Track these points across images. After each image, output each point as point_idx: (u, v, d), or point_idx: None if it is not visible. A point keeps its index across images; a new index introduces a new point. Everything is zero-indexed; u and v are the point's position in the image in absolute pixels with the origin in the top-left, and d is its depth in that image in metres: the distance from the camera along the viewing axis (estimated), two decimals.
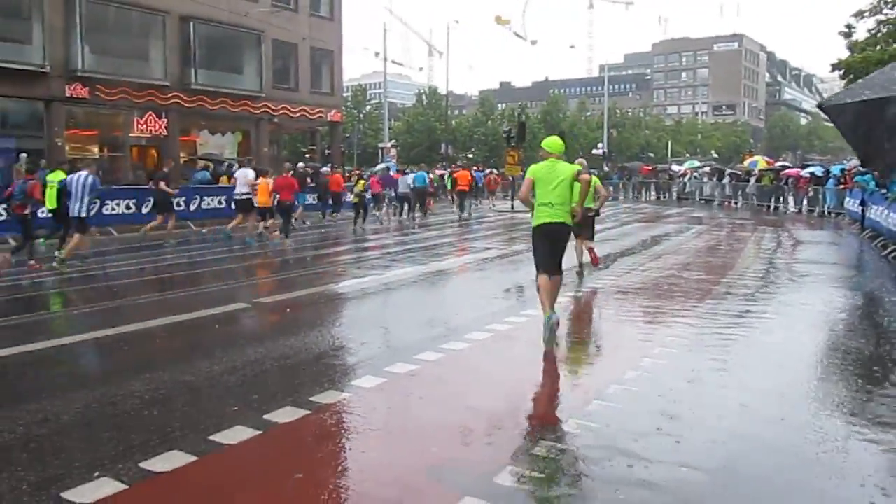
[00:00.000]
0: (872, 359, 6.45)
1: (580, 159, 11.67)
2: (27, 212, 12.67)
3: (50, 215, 13.56)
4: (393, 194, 24.28)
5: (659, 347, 6.63)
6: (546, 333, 6.80)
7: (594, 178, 10.22)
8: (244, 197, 16.43)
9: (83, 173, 12.60)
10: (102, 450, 4.13)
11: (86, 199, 12.38)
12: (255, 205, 16.25)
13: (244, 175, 16.76)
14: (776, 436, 4.45)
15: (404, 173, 25.71)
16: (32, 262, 12.12)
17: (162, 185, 16.32)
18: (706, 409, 4.93)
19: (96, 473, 3.77)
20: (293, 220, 17.46)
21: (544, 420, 4.79)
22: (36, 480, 3.69)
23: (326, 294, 10.04)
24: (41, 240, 13.60)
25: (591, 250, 11.57)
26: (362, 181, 21.82)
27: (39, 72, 23.00)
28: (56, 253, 12.32)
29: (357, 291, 10.09)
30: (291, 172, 17.74)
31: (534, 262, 7.32)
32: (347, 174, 29.39)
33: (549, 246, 7.11)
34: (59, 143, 24.08)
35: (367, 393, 5.29)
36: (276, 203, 16.16)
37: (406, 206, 23.95)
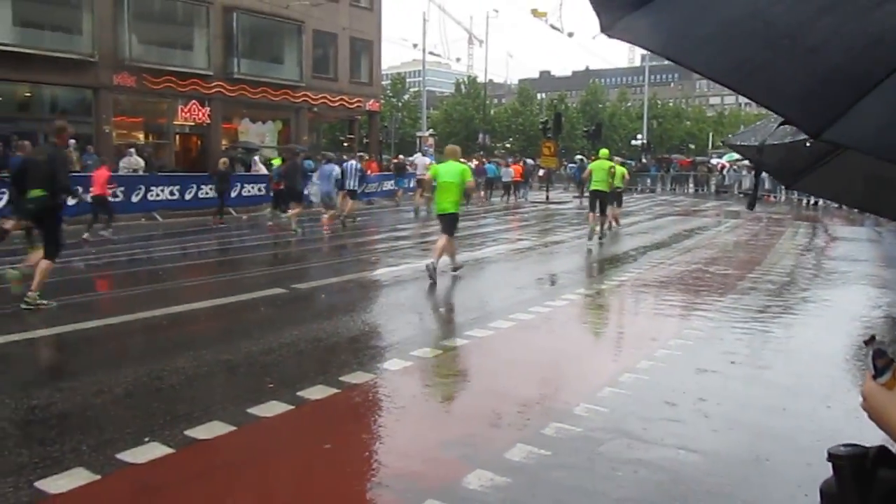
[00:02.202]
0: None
1: (617, 158, 19.70)
2: (281, 188, 16.90)
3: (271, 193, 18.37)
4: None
5: (675, 339, 6.89)
6: (590, 236, 14.84)
7: (622, 168, 17.44)
8: (424, 176, 21.63)
9: (353, 162, 18.76)
10: (151, 418, 4.58)
11: (356, 178, 18.15)
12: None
13: (423, 161, 24.67)
14: (775, 425, 4.72)
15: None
16: (270, 223, 16.85)
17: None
18: (711, 398, 5.20)
19: (146, 438, 4.20)
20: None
21: (556, 403, 5.11)
22: (94, 443, 4.14)
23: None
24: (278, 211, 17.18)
25: (616, 215, 17.26)
26: None
27: (88, 61, 23.78)
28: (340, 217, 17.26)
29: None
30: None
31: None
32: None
33: (595, 200, 15.01)
34: (107, 130, 24.91)
35: (393, 375, 5.67)
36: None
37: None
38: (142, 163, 21.22)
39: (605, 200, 15.25)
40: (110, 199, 15.19)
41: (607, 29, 1.12)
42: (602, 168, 15.23)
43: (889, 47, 0.99)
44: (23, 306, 7.53)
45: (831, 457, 1.09)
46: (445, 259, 10.26)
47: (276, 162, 19.83)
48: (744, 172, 38.07)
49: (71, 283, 10.00)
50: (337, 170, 17.23)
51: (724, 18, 1.06)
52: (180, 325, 7.50)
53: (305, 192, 17.27)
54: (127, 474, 3.81)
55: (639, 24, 1.10)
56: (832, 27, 1.01)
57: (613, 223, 16.98)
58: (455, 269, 10.48)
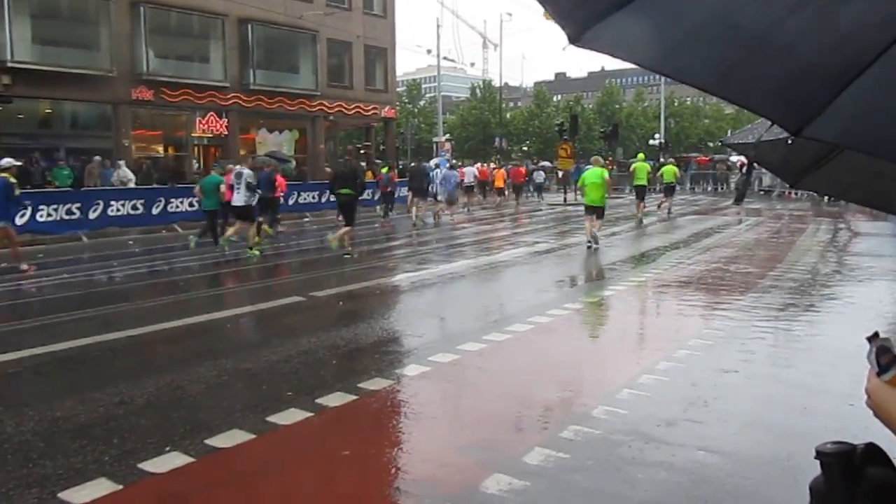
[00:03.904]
0: None
1: (672, 159, 28.38)
2: (389, 190, 21.57)
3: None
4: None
5: (694, 339, 6.84)
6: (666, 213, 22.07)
7: (673, 167, 24.41)
8: (471, 184, 25.94)
9: (454, 172, 22.64)
10: (172, 428, 4.62)
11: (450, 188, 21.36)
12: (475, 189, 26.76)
13: (471, 171, 26.93)
14: (796, 424, 4.67)
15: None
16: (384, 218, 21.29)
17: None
18: (731, 398, 5.16)
19: (167, 448, 4.24)
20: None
21: (575, 406, 5.09)
22: (116, 453, 4.19)
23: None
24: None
25: (670, 204, 23.16)
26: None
27: (107, 76, 24.02)
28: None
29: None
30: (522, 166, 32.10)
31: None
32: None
33: (667, 190, 23.17)
34: (126, 144, 25.17)
35: (411, 380, 5.68)
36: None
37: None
38: (132, 176, 21.26)
39: (644, 193, 20.99)
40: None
41: (575, 40, 1.12)
42: (643, 168, 21.50)
43: (861, 43, 0.99)
44: (346, 255, 12.86)
45: (819, 454, 1.09)
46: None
47: (385, 170, 23.10)
48: (763, 170, 37.68)
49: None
50: (456, 174, 22.39)
51: (692, 23, 1.06)
52: (199, 334, 7.58)
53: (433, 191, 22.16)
54: (149, 484, 3.85)
55: (607, 33, 1.09)
56: (802, 26, 1.01)
57: (666, 211, 22.69)
58: (595, 243, 14.15)
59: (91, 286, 10.81)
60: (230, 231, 13.47)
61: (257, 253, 13.19)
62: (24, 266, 11.34)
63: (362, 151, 35.96)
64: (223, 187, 13.91)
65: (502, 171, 28.69)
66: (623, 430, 4.51)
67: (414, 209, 19.95)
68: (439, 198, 20.88)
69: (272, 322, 8.25)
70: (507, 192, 29.41)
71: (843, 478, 1.07)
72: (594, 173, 14.54)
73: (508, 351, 6.63)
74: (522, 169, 30.79)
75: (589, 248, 14.08)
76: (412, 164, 23.48)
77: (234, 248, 13.44)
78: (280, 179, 17.22)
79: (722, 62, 1.07)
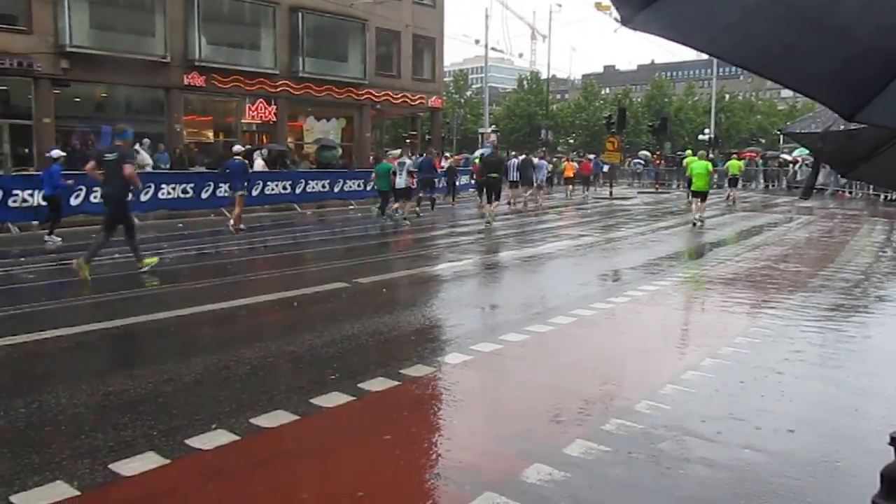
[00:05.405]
0: None
1: (734, 154, 31.14)
2: (484, 178, 20.86)
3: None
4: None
5: (741, 337, 6.72)
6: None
7: (738, 162, 28.74)
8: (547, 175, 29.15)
9: (544, 162, 26.74)
10: (219, 406, 4.72)
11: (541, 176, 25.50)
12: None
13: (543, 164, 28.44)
14: (845, 426, 4.56)
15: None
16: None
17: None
18: (778, 397, 5.06)
19: (213, 425, 4.34)
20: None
21: (617, 400, 5.05)
22: (164, 429, 4.30)
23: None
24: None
25: (735, 196, 26.94)
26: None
27: (161, 62, 24.56)
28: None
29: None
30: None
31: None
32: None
33: (731, 182, 27.56)
34: (178, 129, 25.69)
35: (453, 368, 5.70)
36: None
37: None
38: (150, 161, 21.33)
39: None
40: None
41: (628, 21, 1.11)
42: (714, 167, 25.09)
43: None
44: (489, 224, 16.78)
45: (894, 441, 1.06)
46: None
47: (477, 160, 24.76)
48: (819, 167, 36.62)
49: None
50: (546, 163, 26.64)
51: (746, 4, 1.03)
52: (247, 316, 7.73)
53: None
54: (195, 459, 3.94)
55: (660, 15, 1.08)
56: (861, 5, 0.97)
57: (732, 201, 26.20)
58: (701, 221, 17.38)
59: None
60: (396, 205, 17.69)
61: (408, 222, 17.22)
62: (242, 226, 15.03)
63: (408, 141, 36.06)
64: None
65: (572, 163, 32.04)
66: (666, 426, 4.46)
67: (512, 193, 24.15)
68: (539, 182, 25.37)
69: (317, 306, 8.35)
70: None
71: None
72: (700, 165, 17.84)
73: (551, 343, 6.61)
74: (589, 163, 34.19)
75: (694, 225, 17.14)
76: (523, 157, 26.27)
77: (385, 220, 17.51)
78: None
79: (776, 44, 1.04)
